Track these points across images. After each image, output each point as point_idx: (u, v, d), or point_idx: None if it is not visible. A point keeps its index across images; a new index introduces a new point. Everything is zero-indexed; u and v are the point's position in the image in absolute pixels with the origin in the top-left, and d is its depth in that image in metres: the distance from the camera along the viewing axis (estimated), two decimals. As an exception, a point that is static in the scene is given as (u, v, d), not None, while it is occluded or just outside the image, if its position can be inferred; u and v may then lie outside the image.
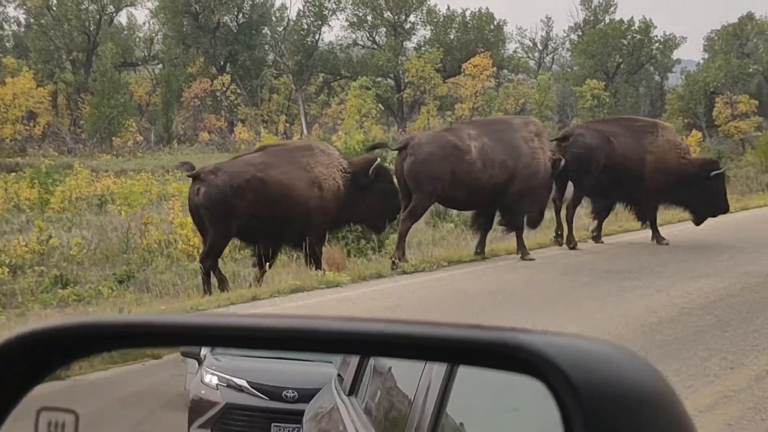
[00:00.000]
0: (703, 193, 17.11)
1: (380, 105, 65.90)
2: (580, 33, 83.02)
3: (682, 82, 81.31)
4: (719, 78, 73.90)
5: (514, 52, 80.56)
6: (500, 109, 62.23)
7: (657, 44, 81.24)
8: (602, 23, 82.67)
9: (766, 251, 15.61)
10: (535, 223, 16.25)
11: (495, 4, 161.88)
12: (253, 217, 14.10)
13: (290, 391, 7.12)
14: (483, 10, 75.02)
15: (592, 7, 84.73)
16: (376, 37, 74.39)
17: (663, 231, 17.87)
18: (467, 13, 75.10)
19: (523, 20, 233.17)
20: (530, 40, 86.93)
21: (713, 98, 72.59)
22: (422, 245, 18.41)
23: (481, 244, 15.79)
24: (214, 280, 13.88)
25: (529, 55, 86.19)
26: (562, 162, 15.74)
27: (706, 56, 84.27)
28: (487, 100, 65.15)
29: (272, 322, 1.62)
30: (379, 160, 15.62)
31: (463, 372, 2.23)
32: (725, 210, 17.86)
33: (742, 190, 32.77)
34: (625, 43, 79.75)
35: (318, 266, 14.33)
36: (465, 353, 1.42)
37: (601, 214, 17.38)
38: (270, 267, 14.65)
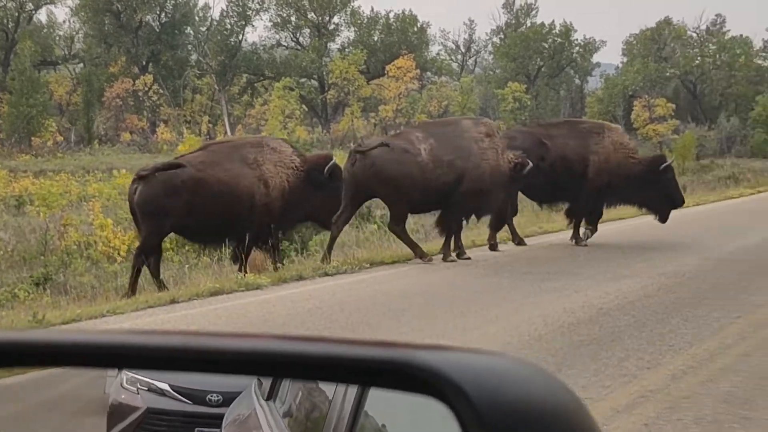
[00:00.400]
0: (656, 188, 17.44)
1: (304, 106, 65.76)
2: (503, 36, 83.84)
3: (601, 86, 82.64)
4: (637, 81, 75.28)
5: (438, 54, 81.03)
6: (424, 111, 62.52)
7: (577, 48, 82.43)
8: (524, 27, 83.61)
9: (683, 252, 15.93)
10: (497, 225, 16.75)
11: (418, 6, 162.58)
12: (190, 216, 14.17)
13: (214, 394, 6.99)
14: (406, 12, 75.32)
15: (514, 10, 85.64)
16: (300, 38, 74.20)
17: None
18: (391, 15, 75.34)
19: (447, 23, 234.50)
20: (453, 43, 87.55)
21: (632, 101, 73.91)
22: (345, 247, 18.41)
23: (455, 243, 15.78)
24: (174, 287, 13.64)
25: (452, 57, 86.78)
26: (529, 165, 15.79)
27: (625, 60, 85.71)
28: (410, 102, 65.39)
29: (144, 339, 1.54)
30: (334, 159, 15.70)
31: None
32: (682, 201, 18.23)
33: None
34: (546, 46, 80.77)
35: (242, 266, 14.34)
36: (358, 373, 1.36)
37: (498, 223, 17.11)
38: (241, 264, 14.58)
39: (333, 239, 15.28)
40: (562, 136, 17.60)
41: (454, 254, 15.53)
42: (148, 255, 14.35)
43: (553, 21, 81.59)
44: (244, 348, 1.42)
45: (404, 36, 73.48)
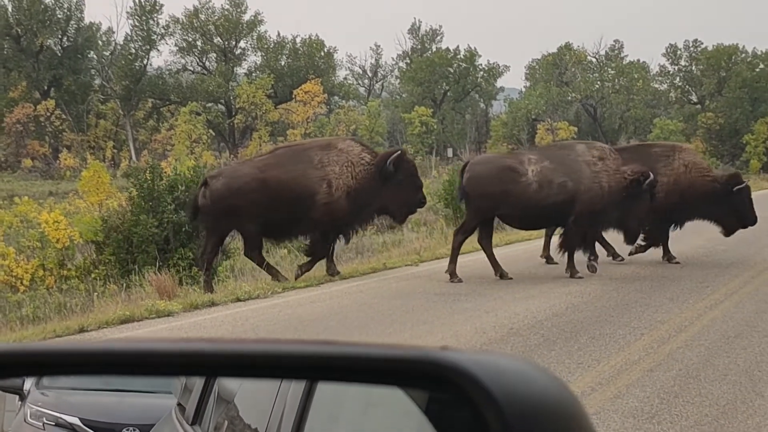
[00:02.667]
0: (730, 206, 17.76)
1: (211, 131, 65.35)
2: (408, 61, 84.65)
3: (505, 110, 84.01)
4: (540, 105, 76.76)
5: (345, 78, 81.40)
6: (332, 134, 62.68)
7: (482, 72, 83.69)
8: (429, 52, 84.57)
9: (586, 272, 16.28)
10: (631, 239, 17.00)
11: (325, 31, 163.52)
12: (257, 215, 15.60)
13: (130, 428, 6.72)
14: (313, 37, 75.53)
15: (420, 35, 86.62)
16: (206, 63, 73.77)
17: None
18: (298, 40, 75.46)
19: (353, 48, 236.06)
20: (360, 68, 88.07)
21: (535, 125, 75.33)
22: (255, 271, 18.40)
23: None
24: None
25: (359, 82, 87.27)
26: (650, 177, 16.19)
27: (528, 84, 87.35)
28: (318, 126, 65.53)
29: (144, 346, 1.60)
30: (400, 151, 16.66)
31: (321, 395, 2.23)
32: (754, 221, 18.13)
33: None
34: (452, 71, 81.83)
35: (311, 264, 15.97)
36: (385, 372, 1.41)
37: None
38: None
39: (453, 249, 16.08)
40: (631, 161, 17.60)
41: (579, 272, 15.99)
42: (257, 248, 16.04)
43: (458, 46, 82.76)
44: (276, 351, 1.47)
45: (311, 61, 73.63)
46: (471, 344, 10.24)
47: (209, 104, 68.73)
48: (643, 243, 18.01)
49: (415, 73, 79.74)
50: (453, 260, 15.82)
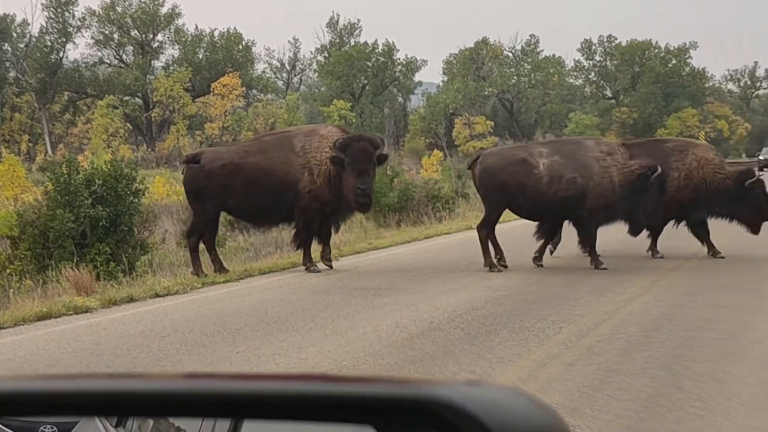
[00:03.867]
0: (746, 202, 17.82)
1: (128, 124, 64.37)
2: (327, 55, 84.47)
3: (423, 104, 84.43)
4: (458, 100, 77.30)
5: (263, 72, 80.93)
6: (250, 128, 62.22)
7: (400, 67, 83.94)
8: (348, 46, 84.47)
9: (509, 265, 16.40)
10: (635, 232, 17.21)
11: (243, 24, 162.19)
12: (230, 198, 16.27)
13: (48, 426, 6.50)
14: (231, 30, 74.87)
15: (338, 29, 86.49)
16: (124, 56, 72.66)
17: (415, 246, 18.41)
18: (216, 33, 74.76)
19: (271, 41, 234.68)
20: (278, 61, 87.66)
21: (453, 119, 75.82)
22: (174, 267, 18.15)
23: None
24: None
25: (278, 75, 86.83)
26: (658, 171, 16.37)
27: (446, 79, 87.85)
28: (236, 120, 64.99)
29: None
30: (347, 136, 16.29)
31: None
32: None
33: (481, 207, 34.27)
34: (370, 65, 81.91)
35: (306, 254, 16.37)
36: (370, 413, 1.30)
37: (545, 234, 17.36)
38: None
39: (482, 245, 16.39)
40: (642, 155, 17.74)
41: (600, 263, 16.28)
42: (198, 234, 16.40)
43: (376, 40, 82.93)
44: (238, 390, 1.36)
45: (229, 54, 73.01)
46: (392, 340, 10.21)
47: (126, 98, 67.70)
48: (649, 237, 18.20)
49: (334, 67, 79.62)
50: (486, 253, 16.23)
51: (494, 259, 16.25)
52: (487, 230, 16.45)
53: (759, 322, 11.29)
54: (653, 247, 18.10)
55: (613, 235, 18.74)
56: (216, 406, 1.36)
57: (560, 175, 16.28)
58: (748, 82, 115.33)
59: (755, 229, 18.29)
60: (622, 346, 9.82)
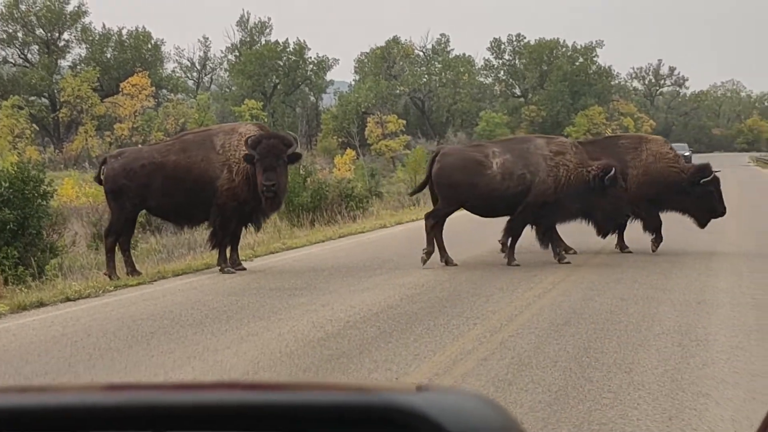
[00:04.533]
0: (698, 197, 18.03)
1: (35, 125, 63.02)
2: (238, 54, 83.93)
3: (335, 103, 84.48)
4: (370, 99, 77.54)
5: (173, 71, 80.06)
6: (160, 128, 61.52)
7: (311, 66, 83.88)
8: (259, 44, 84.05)
9: (420, 263, 16.56)
10: (601, 233, 17.27)
11: (152, 23, 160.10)
12: (150, 197, 16.22)
13: None
14: (140, 29, 73.89)
15: (249, 28, 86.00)
16: (29, 55, 71.13)
17: (331, 246, 18.43)
18: (124, 32, 73.69)
19: (181, 40, 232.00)
20: (188, 60, 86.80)
21: (365, 118, 76.01)
22: (85, 270, 17.89)
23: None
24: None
25: (188, 74, 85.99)
26: (611, 172, 16.35)
27: (357, 78, 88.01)
28: (146, 120, 64.17)
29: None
30: (261, 134, 16.19)
31: None
32: (723, 212, 18.44)
33: (395, 205, 34.51)
34: (281, 64, 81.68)
35: (221, 255, 16.31)
36: (330, 423, 1.25)
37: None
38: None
39: (438, 242, 16.69)
40: (596, 153, 17.89)
41: (566, 257, 16.74)
42: (116, 234, 16.25)
43: (287, 39, 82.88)
44: (201, 401, 1.29)
45: (138, 53, 72.04)
46: (308, 340, 10.25)
47: (32, 98, 66.32)
48: (652, 235, 18.34)
49: (245, 66, 79.17)
50: (442, 251, 16.59)
51: (424, 252, 16.56)
52: (434, 220, 16.79)
53: (663, 314, 11.63)
54: (620, 242, 18.31)
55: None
56: (151, 420, 1.28)
57: (511, 172, 16.62)
58: (653, 80, 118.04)
59: (702, 225, 18.67)
60: (534, 340, 10.02)
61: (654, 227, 18.33)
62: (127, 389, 1.44)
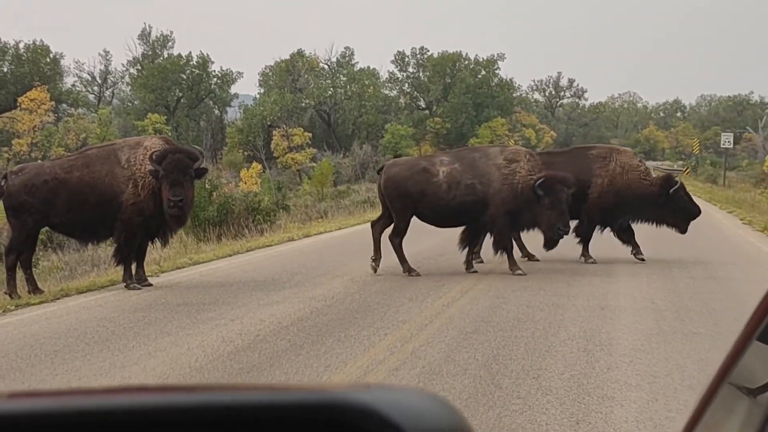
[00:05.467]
0: (671, 206, 18.27)
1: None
2: (140, 68, 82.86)
3: (241, 116, 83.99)
4: (275, 112, 77.29)
5: (73, 85, 78.61)
6: (61, 144, 60.36)
7: (215, 79, 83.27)
8: (161, 58, 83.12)
9: (331, 275, 16.59)
10: (547, 244, 16.84)
11: (50, 36, 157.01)
12: (54, 214, 15.88)
13: None
14: (38, 43, 72.39)
15: (150, 41, 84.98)
16: None
17: (239, 260, 18.29)
18: (21, 46, 72.07)
19: (81, 54, 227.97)
20: (89, 74, 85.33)
21: (271, 131, 75.71)
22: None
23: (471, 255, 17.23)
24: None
25: (89, 89, 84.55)
26: (540, 180, 16.31)
27: (262, 91, 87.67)
28: (46, 135, 62.87)
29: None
30: (165, 149, 15.92)
31: None
32: (698, 213, 18.78)
33: (302, 218, 34.45)
34: (185, 77, 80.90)
35: (126, 270, 16.00)
36: (277, 424, 1.20)
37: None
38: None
39: (375, 241, 16.97)
40: (564, 162, 18.05)
41: (520, 269, 16.61)
42: (17, 251, 15.89)
43: (190, 52, 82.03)
44: (139, 405, 1.23)
45: (36, 67, 70.58)
46: (218, 354, 10.17)
47: None
48: (628, 246, 18.47)
49: (147, 80, 78.21)
50: (403, 261, 16.69)
51: (371, 260, 16.81)
52: (399, 238, 16.89)
53: (568, 320, 11.86)
54: (585, 252, 18.39)
55: (432, 240, 19.20)
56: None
57: (458, 181, 16.74)
58: (553, 92, 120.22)
59: (683, 230, 18.98)
60: (444, 348, 10.12)
61: (585, 236, 18.49)
62: (30, 397, 1.34)
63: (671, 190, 18.34)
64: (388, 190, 17.19)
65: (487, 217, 16.71)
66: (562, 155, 19.62)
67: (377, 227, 17.23)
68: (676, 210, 18.46)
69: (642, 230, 19.05)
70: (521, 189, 16.56)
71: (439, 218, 17.18)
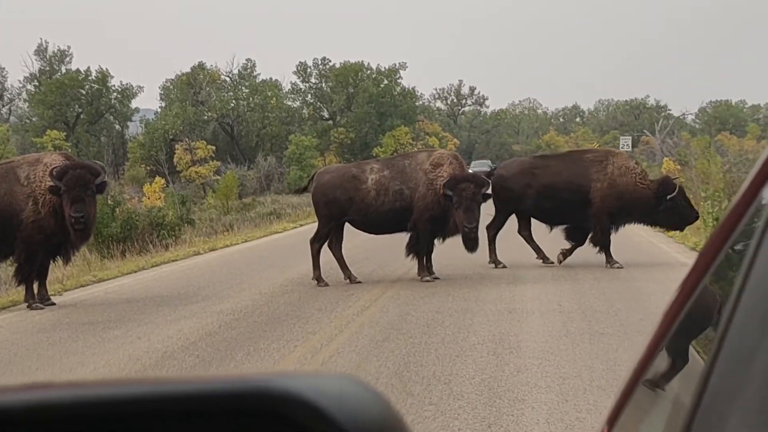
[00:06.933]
0: (669, 209, 18.10)
1: None
2: (37, 83, 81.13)
3: (142, 131, 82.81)
4: (177, 125, 76.42)
5: (-34, 103, 76.50)
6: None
7: (115, 94, 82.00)
8: (59, 73, 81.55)
9: (237, 289, 16.44)
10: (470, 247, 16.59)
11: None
12: None
13: None
14: (-72, 59, 70.27)
15: (48, 57, 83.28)
16: None
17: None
18: None
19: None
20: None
21: (173, 145, 74.81)
22: None
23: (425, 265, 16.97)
24: None
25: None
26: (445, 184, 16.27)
27: (164, 105, 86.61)
28: (-61, 155, 60.97)
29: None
30: (66, 165, 15.51)
31: None
32: (696, 217, 18.88)
33: (207, 232, 34.10)
34: (84, 93, 79.50)
35: (25, 285, 15.55)
36: (199, 415, 1.15)
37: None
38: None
39: (313, 257, 16.80)
40: (557, 166, 18.07)
41: (429, 276, 16.62)
42: None
43: (89, 67, 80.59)
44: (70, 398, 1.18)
45: (-73, 84, 68.50)
46: (124, 373, 9.99)
47: None
48: (599, 251, 18.11)
49: (45, 96, 76.65)
50: (316, 266, 16.55)
51: (346, 279, 16.73)
52: (318, 243, 16.88)
53: (478, 324, 11.96)
54: (609, 259, 17.97)
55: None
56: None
57: (386, 188, 16.79)
58: (455, 100, 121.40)
59: (682, 229, 19.27)
60: (355, 358, 10.11)
61: (604, 244, 18.19)
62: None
63: (669, 197, 18.10)
64: (315, 196, 17.35)
65: (411, 222, 16.77)
66: (557, 159, 19.72)
67: (335, 246, 17.07)
68: (673, 213, 18.37)
69: (540, 231, 19.19)
70: (443, 193, 16.49)
71: (369, 225, 17.26)
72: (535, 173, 18.68)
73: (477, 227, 16.47)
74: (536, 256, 18.47)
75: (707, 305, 1.82)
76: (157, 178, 59.93)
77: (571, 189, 18.25)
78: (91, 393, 1.19)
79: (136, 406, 1.16)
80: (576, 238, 18.57)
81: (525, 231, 18.91)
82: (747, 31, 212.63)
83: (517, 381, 8.76)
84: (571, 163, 18.78)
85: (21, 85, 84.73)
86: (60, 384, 1.27)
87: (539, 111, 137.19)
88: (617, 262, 17.87)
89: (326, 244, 17.05)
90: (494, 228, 18.79)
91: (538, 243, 18.70)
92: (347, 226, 17.38)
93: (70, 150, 65.89)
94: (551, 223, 18.86)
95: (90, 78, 79.56)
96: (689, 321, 1.94)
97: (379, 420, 1.18)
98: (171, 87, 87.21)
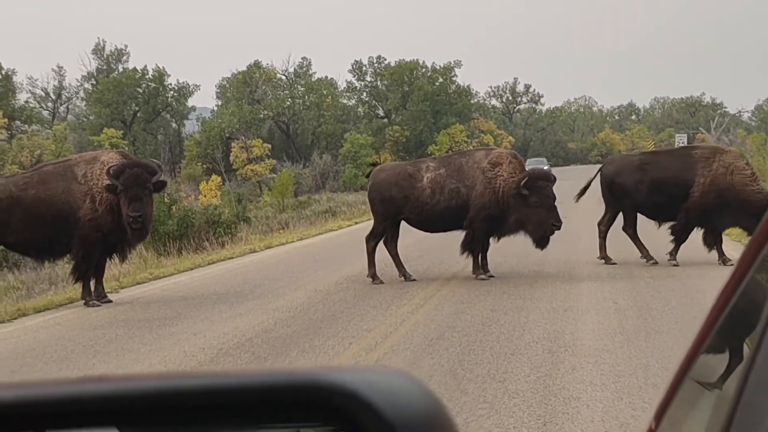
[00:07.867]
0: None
1: None
2: (95, 82, 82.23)
3: (199, 129, 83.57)
4: (233, 124, 77.01)
5: (27, 102, 77.78)
6: (15, 161, 59.70)
7: (172, 92, 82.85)
8: (116, 72, 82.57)
9: (293, 287, 16.49)
10: (537, 244, 16.59)
11: (2, 54, 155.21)
12: (9, 233, 15.72)
13: None
14: (-11, 60, 71.52)
15: (105, 56, 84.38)
16: None
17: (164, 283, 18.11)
18: (-28, 63, 71.19)
19: (34, 69, 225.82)
20: (42, 90, 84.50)
21: (229, 143, 75.41)
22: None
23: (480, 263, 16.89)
24: None
25: (43, 105, 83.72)
26: (525, 179, 16.19)
27: (220, 103, 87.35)
28: None
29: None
30: (123, 163, 15.74)
31: None
32: None
33: (263, 229, 34.28)
34: (141, 91, 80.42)
35: (84, 288, 15.74)
36: (255, 407, 1.17)
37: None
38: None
39: (369, 254, 16.90)
40: (665, 161, 18.10)
41: (483, 274, 16.62)
42: None
43: (146, 66, 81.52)
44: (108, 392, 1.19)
45: (-11, 85, 69.78)
46: (180, 368, 10.05)
47: None
48: (710, 248, 17.74)
49: (103, 95, 77.66)
50: (371, 264, 16.67)
51: (400, 276, 16.72)
52: (374, 241, 16.96)
53: (532, 322, 11.87)
54: (673, 252, 17.76)
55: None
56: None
57: (442, 186, 16.80)
58: (510, 98, 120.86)
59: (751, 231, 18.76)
60: (409, 356, 10.08)
61: (680, 238, 17.92)
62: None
63: None
64: (371, 194, 17.47)
65: (467, 220, 16.72)
66: (667, 154, 19.50)
67: (390, 244, 17.16)
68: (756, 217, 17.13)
69: (610, 232, 18.99)
70: (503, 193, 16.42)
71: (424, 223, 17.26)
72: (645, 169, 18.56)
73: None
74: (640, 255, 18.20)
75: (752, 299, 1.78)
76: (214, 176, 60.45)
77: (678, 184, 18.02)
78: (150, 385, 1.21)
79: (190, 398, 1.18)
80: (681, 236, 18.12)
81: (630, 229, 18.65)
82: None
83: (572, 379, 8.67)
84: (679, 159, 18.54)
85: (79, 84, 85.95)
86: (113, 377, 1.28)
87: (594, 109, 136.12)
88: (675, 260, 17.61)
89: (382, 241, 17.07)
90: (606, 224, 18.71)
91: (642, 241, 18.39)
92: (403, 224, 17.37)
93: (127, 148, 66.73)
94: (660, 218, 18.61)
95: (147, 76, 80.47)
96: (734, 315, 1.90)
97: (427, 414, 1.18)
98: (227, 85, 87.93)
